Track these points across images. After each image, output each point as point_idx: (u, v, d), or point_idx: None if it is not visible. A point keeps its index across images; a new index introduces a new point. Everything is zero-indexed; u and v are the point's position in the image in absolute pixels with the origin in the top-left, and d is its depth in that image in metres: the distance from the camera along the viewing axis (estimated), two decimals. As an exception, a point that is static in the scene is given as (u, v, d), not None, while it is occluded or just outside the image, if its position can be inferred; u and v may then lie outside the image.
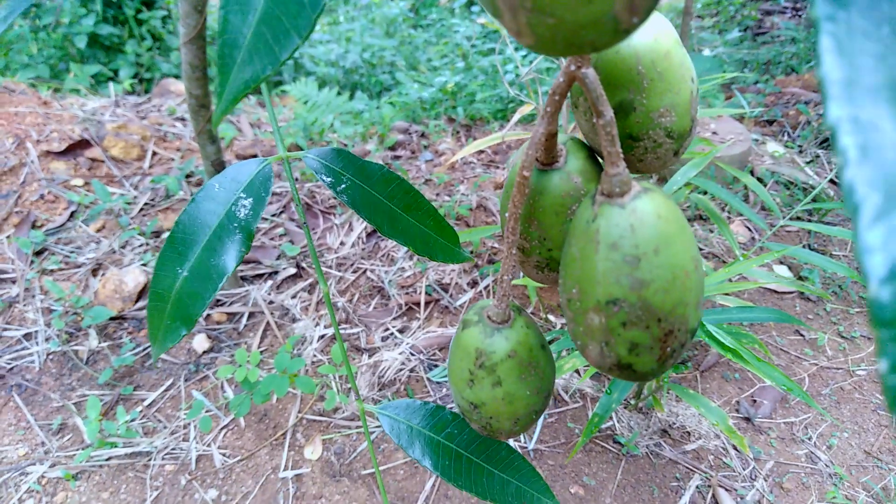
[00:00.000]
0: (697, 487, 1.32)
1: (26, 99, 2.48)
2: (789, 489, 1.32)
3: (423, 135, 2.90)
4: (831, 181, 2.10)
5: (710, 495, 1.31)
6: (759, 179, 2.10)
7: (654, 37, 0.26)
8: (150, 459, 1.39)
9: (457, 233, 0.42)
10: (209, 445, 1.42)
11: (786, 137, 2.55)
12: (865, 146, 0.12)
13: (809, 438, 1.42)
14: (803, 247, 1.92)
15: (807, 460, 1.37)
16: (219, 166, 1.47)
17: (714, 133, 2.14)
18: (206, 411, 1.49)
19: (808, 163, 2.21)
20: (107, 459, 1.39)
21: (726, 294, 1.49)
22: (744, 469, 1.36)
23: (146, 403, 1.51)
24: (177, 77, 3.98)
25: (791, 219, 1.97)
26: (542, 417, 1.54)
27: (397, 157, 2.52)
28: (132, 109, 2.78)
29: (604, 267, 0.23)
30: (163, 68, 3.95)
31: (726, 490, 1.31)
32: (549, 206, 0.29)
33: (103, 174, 2.14)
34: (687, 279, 0.24)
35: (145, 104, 2.89)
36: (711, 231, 1.97)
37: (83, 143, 2.19)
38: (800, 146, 2.41)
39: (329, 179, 0.39)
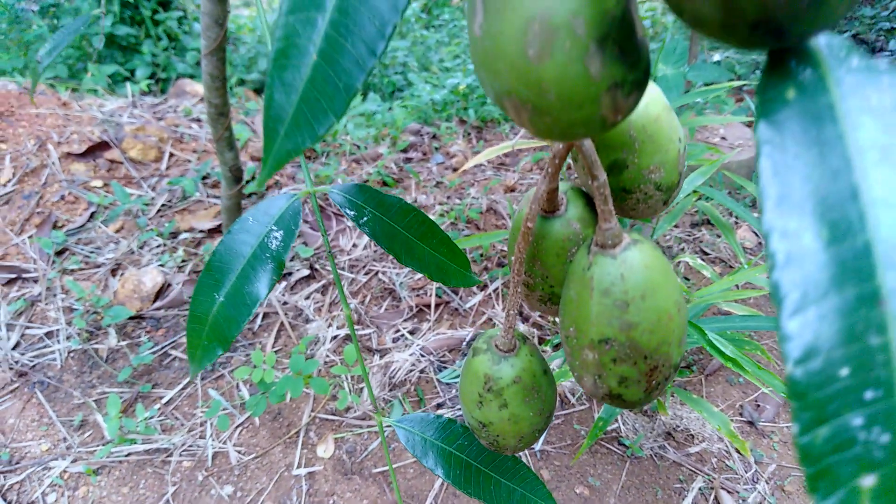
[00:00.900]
0: (700, 489, 1.35)
1: (46, 100, 2.54)
2: (790, 492, 1.35)
3: (434, 136, 2.94)
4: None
5: (712, 497, 1.34)
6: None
7: (645, 104, 0.30)
8: (168, 456, 1.44)
9: (467, 258, 0.46)
10: (225, 443, 1.46)
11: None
12: (790, 253, 0.16)
13: (811, 443, 1.44)
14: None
15: (808, 464, 1.40)
16: (236, 172, 1.51)
17: (723, 138, 2.16)
18: (223, 410, 1.53)
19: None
20: (126, 455, 1.44)
21: (733, 301, 1.52)
22: (746, 472, 1.39)
23: (164, 401, 1.56)
24: (192, 77, 4.03)
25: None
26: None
27: (409, 160, 2.56)
28: (149, 110, 2.83)
29: (597, 310, 0.27)
30: (178, 68, 4.00)
31: (728, 492, 1.34)
32: (551, 249, 0.32)
33: (122, 175, 2.19)
34: (670, 321, 0.27)
35: (161, 105, 2.94)
36: (719, 236, 1.99)
37: (102, 145, 2.24)
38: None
39: (352, 213, 0.42)
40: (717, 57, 2.36)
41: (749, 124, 2.56)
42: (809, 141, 0.17)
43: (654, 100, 0.29)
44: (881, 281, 0.15)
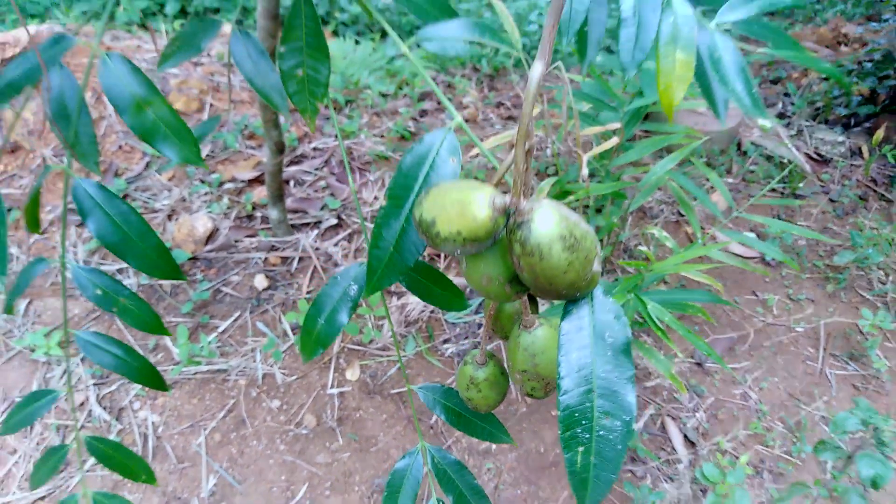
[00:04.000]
0: (651, 415, 1.70)
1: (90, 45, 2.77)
2: (722, 420, 1.69)
3: (449, 85, 3.16)
4: (808, 156, 2.36)
5: (659, 421, 1.69)
6: (744, 153, 2.37)
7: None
8: (227, 375, 1.79)
9: (461, 291, 0.75)
10: (272, 366, 1.81)
11: (780, 106, 2.78)
12: (570, 361, 0.46)
13: (745, 381, 1.78)
14: (774, 216, 2.22)
15: (741, 398, 1.74)
16: (280, 145, 1.79)
17: (708, 108, 2.39)
18: (268, 339, 1.87)
19: (792, 136, 2.47)
20: (193, 374, 1.79)
21: (696, 269, 1.82)
22: (690, 403, 1.73)
23: (220, 330, 1.90)
24: (217, 11, 4.19)
25: (764, 195, 2.26)
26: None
27: (424, 112, 2.80)
28: (183, 53, 3.05)
29: (521, 356, 0.57)
30: (206, 1, 4.16)
31: (672, 419, 1.69)
32: (507, 315, 0.62)
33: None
34: (554, 363, 0.57)
35: (194, 47, 3.15)
36: (695, 200, 2.27)
37: (150, 97, 2.50)
38: (790, 116, 2.65)
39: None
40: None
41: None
42: (581, 326, 0.47)
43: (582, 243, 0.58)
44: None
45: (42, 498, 1.55)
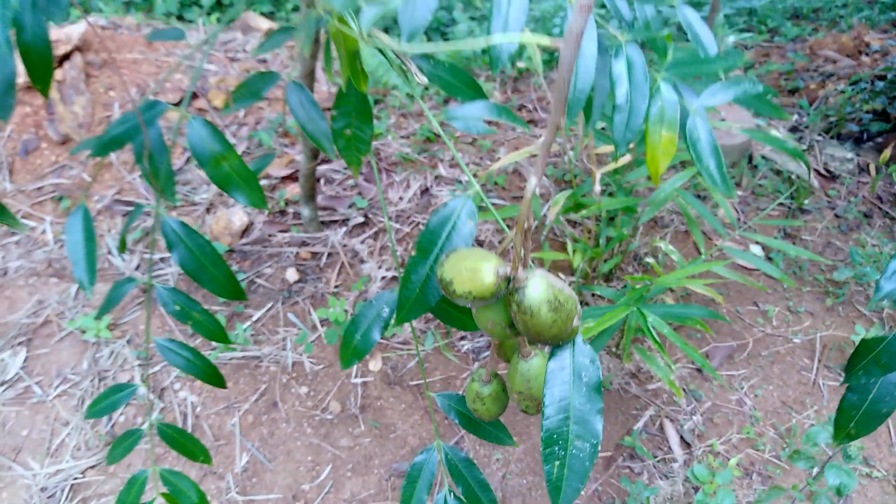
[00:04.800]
0: (651, 416, 1.83)
1: (132, 40, 2.92)
2: (717, 423, 1.82)
3: (473, 86, 3.26)
4: (816, 171, 2.45)
5: (658, 422, 1.82)
6: (755, 166, 2.47)
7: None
8: (259, 362, 1.94)
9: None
10: (301, 355, 1.96)
11: (795, 118, 2.86)
12: (553, 398, 0.59)
13: (742, 388, 1.90)
14: (780, 229, 2.32)
15: (736, 404, 1.86)
16: (314, 151, 1.92)
17: (722, 120, 2.48)
18: (298, 330, 2.02)
19: (804, 150, 2.55)
20: (229, 359, 1.95)
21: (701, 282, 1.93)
22: (688, 406, 1.85)
23: (253, 319, 2.05)
24: (251, 3, 4.32)
25: (772, 210, 2.36)
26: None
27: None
28: (221, 48, 3.20)
29: (518, 380, 0.70)
30: (240, -7, 4.29)
31: (671, 420, 1.81)
32: (509, 345, 0.75)
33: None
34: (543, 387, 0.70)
35: (231, 42, 3.30)
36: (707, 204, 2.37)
37: (192, 95, 2.65)
38: (802, 130, 2.73)
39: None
40: (731, 39, 2.62)
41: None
42: (562, 366, 0.60)
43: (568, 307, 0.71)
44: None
45: (92, 467, 1.72)
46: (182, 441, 0.88)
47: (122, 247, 0.82)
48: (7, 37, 0.69)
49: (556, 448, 0.55)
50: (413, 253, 0.65)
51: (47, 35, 0.77)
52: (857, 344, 0.63)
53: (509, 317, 0.61)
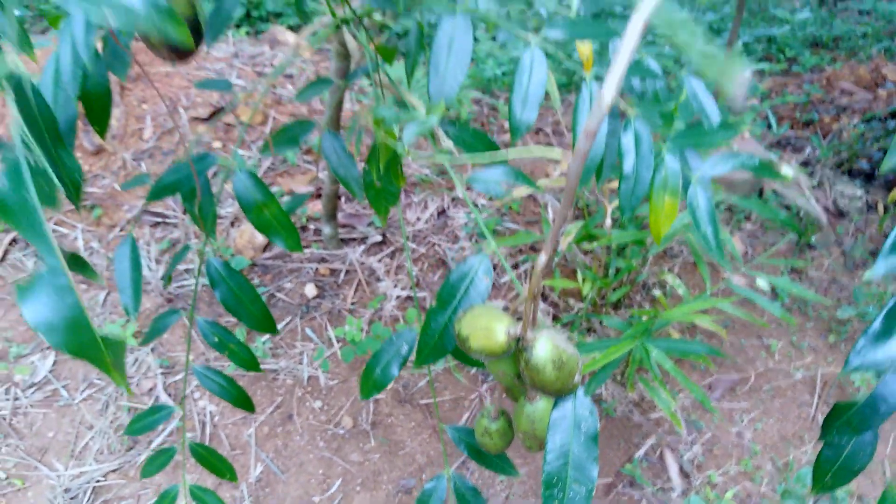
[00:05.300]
0: (652, 445, 1.88)
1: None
2: (717, 455, 1.87)
3: (493, 108, 3.35)
4: (825, 208, 2.50)
5: (659, 451, 1.87)
6: (765, 201, 2.52)
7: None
8: (276, 375, 2.02)
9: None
10: (317, 370, 2.04)
11: (808, 151, 2.91)
12: (553, 444, 0.66)
13: (742, 421, 1.95)
14: (787, 264, 2.37)
15: (736, 436, 1.91)
16: (335, 125, 2.01)
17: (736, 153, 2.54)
18: (314, 344, 2.10)
19: (813, 186, 2.61)
20: (247, 371, 2.03)
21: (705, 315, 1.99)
22: (688, 436, 1.91)
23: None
24: (280, 16, 4.43)
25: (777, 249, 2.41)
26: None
27: (468, 137, 3.00)
28: (249, 62, 3.30)
29: (524, 421, 0.76)
30: (268, 6, 4.41)
31: (671, 449, 1.87)
32: (517, 387, 0.82)
33: (235, 137, 2.70)
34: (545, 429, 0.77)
35: (260, 56, 3.40)
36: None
37: (221, 109, 2.74)
38: (814, 164, 2.79)
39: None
40: (748, 72, 2.68)
41: (768, 127, 2.90)
42: (564, 415, 0.67)
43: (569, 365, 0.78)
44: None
45: (114, 470, 1.80)
46: (212, 460, 0.95)
47: (167, 282, 0.90)
48: (77, 90, 0.77)
49: (556, 490, 0.62)
50: (434, 304, 0.73)
51: (108, 84, 0.85)
52: (832, 407, 0.69)
53: (518, 369, 0.68)
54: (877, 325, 0.62)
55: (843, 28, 4.99)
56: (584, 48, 0.81)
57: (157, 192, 0.82)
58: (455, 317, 0.75)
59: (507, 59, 3.65)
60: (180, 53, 0.58)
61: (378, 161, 0.88)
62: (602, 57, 0.93)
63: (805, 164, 2.82)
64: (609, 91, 0.43)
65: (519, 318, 0.65)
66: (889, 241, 0.63)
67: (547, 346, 0.62)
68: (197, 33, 0.72)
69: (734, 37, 2.33)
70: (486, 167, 0.78)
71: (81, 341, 0.32)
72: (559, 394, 0.65)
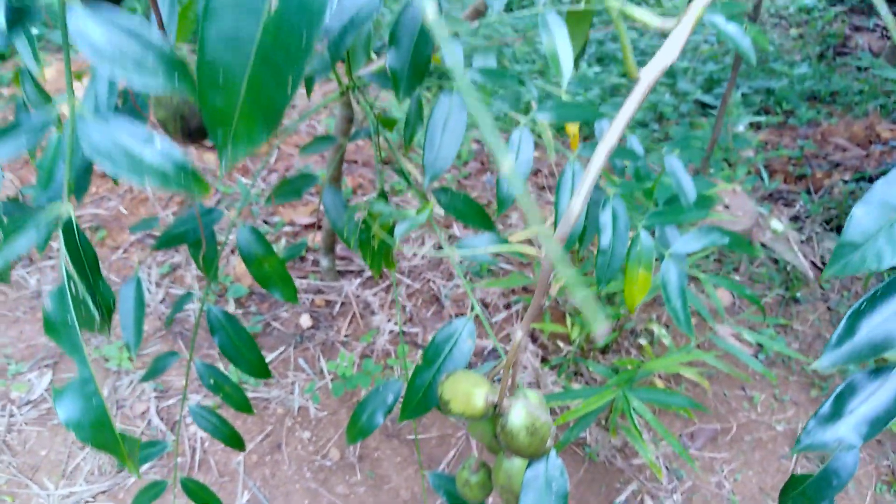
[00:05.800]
0: (633, 491, 1.92)
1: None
2: (696, 504, 1.90)
3: (493, 147, 3.42)
4: (812, 263, 2.56)
5: (639, 498, 1.91)
6: (755, 253, 2.58)
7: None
8: (268, 403, 2.06)
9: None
10: (307, 401, 2.08)
11: (798, 206, 2.98)
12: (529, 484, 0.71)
13: (722, 471, 1.99)
14: (773, 316, 2.42)
15: (715, 486, 1.95)
16: (336, 181, 2.07)
17: (726, 207, 2.61)
18: (306, 375, 2.14)
19: (802, 241, 2.67)
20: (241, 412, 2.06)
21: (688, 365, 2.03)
22: (669, 484, 1.94)
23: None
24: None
25: (768, 299, 2.47)
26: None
27: (467, 175, 3.07)
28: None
29: (501, 476, 0.81)
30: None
31: (651, 497, 1.90)
32: (496, 449, 0.87)
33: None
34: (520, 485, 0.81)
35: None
36: (702, 291, 2.48)
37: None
38: (804, 219, 2.85)
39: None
40: (741, 126, 2.76)
41: (763, 178, 2.97)
42: (536, 476, 0.72)
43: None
44: None
45: (103, 492, 1.83)
46: (201, 494, 1.00)
47: (169, 323, 0.95)
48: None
49: (526, 547, 0.67)
50: (419, 362, 0.78)
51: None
52: (788, 477, 0.74)
53: (495, 431, 0.73)
54: (826, 408, 0.66)
55: (841, 83, 5.08)
56: (572, 128, 0.87)
57: (165, 242, 0.87)
58: (439, 376, 0.80)
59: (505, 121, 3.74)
60: (195, 139, 0.64)
61: (371, 253, 0.94)
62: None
63: (795, 218, 2.89)
64: (577, 204, 0.49)
65: (500, 382, 0.71)
66: (836, 334, 0.68)
67: (521, 413, 0.67)
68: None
69: (731, 88, 2.40)
70: (476, 234, 0.84)
71: (104, 438, 0.38)
72: (532, 457, 0.70)
